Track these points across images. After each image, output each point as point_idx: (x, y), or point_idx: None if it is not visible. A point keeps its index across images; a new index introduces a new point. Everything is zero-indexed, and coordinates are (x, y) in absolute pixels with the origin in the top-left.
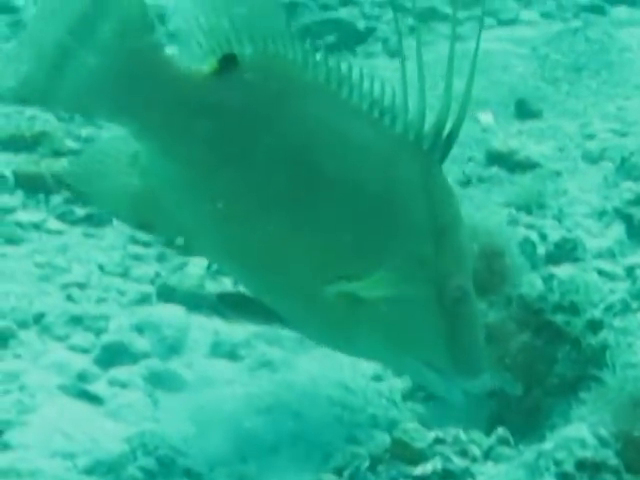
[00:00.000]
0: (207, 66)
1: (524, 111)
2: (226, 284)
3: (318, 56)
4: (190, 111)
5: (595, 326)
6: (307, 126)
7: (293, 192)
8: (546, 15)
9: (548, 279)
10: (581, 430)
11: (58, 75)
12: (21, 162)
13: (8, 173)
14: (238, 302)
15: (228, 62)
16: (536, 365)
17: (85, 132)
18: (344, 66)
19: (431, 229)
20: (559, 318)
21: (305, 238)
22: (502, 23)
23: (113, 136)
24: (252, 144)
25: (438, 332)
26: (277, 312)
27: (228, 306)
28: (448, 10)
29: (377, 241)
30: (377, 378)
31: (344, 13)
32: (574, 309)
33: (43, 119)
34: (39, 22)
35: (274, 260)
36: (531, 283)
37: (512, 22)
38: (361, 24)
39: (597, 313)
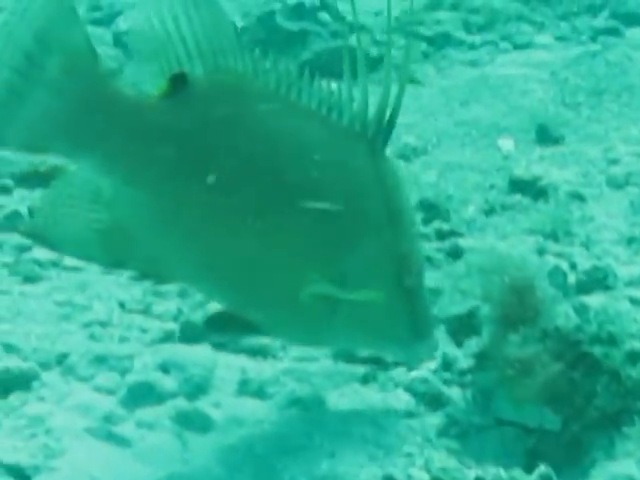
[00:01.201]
0: (157, 88)
1: (545, 137)
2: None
3: (267, 64)
4: (146, 137)
5: (635, 357)
6: (262, 135)
7: (257, 202)
8: (561, 38)
9: (581, 309)
10: (629, 467)
11: (9, 115)
12: (36, 199)
13: (23, 210)
14: (225, 322)
15: (178, 82)
16: (574, 398)
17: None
18: (292, 71)
19: (387, 214)
20: (597, 350)
21: (275, 245)
22: (517, 47)
23: (71, 175)
24: (211, 161)
25: (399, 310)
26: (258, 322)
27: (216, 329)
28: (462, 35)
29: (343, 234)
30: (409, 415)
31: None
32: (612, 340)
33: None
34: None
35: (248, 273)
36: (566, 315)
37: (527, 46)
38: (373, 51)
39: (636, 344)
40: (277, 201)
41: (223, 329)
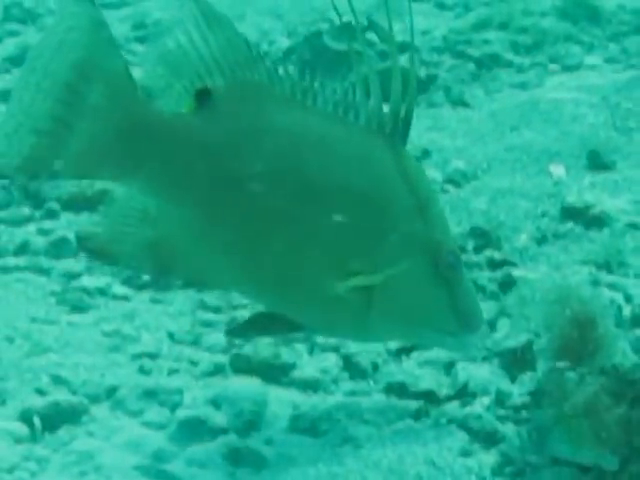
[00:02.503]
0: (184, 106)
1: (597, 163)
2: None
3: (282, 73)
4: (180, 153)
5: None
6: (288, 140)
7: (290, 205)
8: (610, 60)
9: (637, 347)
10: None
11: (57, 145)
12: (83, 223)
13: (71, 236)
14: (261, 322)
15: (203, 96)
16: (633, 438)
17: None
18: (306, 77)
19: (415, 205)
20: None
21: (310, 244)
22: (566, 69)
23: (122, 197)
24: (243, 170)
25: (440, 299)
26: (298, 321)
27: (259, 329)
28: (511, 56)
29: (374, 229)
30: (464, 453)
31: (403, 61)
32: None
33: None
34: (24, 94)
35: (287, 273)
36: (624, 352)
37: (576, 68)
38: (421, 72)
39: None
40: (309, 201)
41: (266, 329)
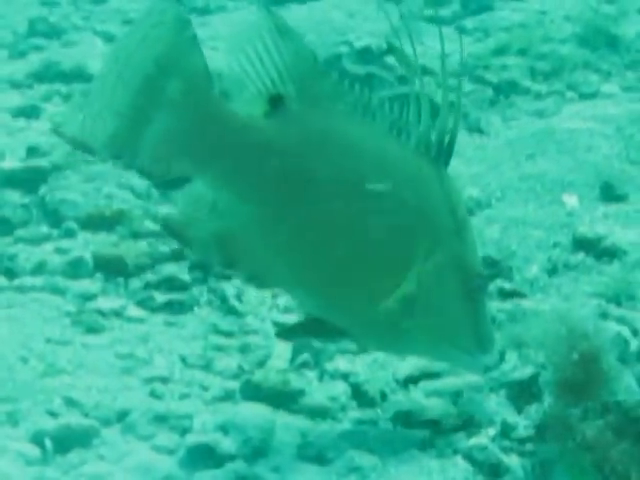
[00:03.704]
0: (257, 108)
1: (610, 194)
2: (310, 378)
3: (346, 88)
4: (248, 153)
5: None
6: (350, 151)
7: (346, 214)
8: (627, 89)
9: None
10: None
11: (139, 134)
12: (100, 243)
13: (87, 255)
14: (309, 326)
15: (276, 102)
16: (634, 475)
17: (163, 211)
18: (366, 94)
19: (454, 226)
20: None
21: (361, 255)
22: (583, 97)
23: (194, 188)
24: (307, 175)
25: (465, 319)
26: (341, 328)
27: (302, 331)
28: (529, 83)
29: (420, 245)
30: None
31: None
32: None
33: (120, 197)
34: (106, 81)
35: (336, 281)
36: (627, 389)
37: (593, 96)
38: (438, 97)
39: None
40: (364, 212)
41: (312, 333)
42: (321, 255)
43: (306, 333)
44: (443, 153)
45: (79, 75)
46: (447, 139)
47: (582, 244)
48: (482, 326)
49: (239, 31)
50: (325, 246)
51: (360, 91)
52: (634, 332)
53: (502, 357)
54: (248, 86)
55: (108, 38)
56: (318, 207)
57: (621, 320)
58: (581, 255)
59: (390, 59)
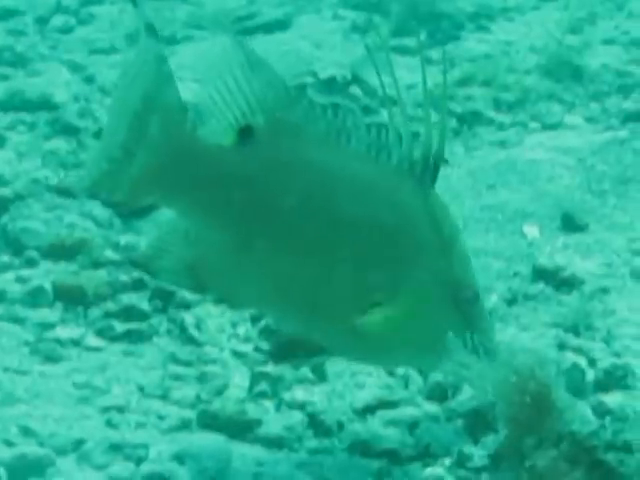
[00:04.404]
0: (227, 139)
1: (570, 224)
2: (268, 407)
3: (317, 113)
4: (220, 181)
5: None
6: (322, 176)
7: (318, 237)
8: (590, 120)
9: (599, 410)
10: None
11: (119, 171)
12: (60, 273)
13: (48, 285)
14: (291, 348)
15: (246, 133)
16: None
17: (124, 240)
18: (340, 117)
19: (439, 243)
20: (611, 457)
21: (337, 275)
22: (546, 127)
23: (168, 219)
24: (277, 202)
25: (458, 332)
26: (321, 343)
27: (284, 355)
28: (493, 114)
29: (398, 265)
30: None
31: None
32: (627, 447)
33: (82, 226)
34: (108, 122)
35: (311, 300)
36: (582, 419)
37: (556, 126)
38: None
39: None
40: (337, 234)
41: (290, 354)
42: (293, 278)
43: (284, 355)
44: (428, 171)
45: (44, 104)
46: (432, 157)
47: (542, 274)
48: (480, 338)
49: (211, 62)
50: (297, 269)
51: (333, 116)
52: (591, 362)
53: (459, 387)
54: (219, 118)
55: (74, 68)
56: (289, 232)
57: (578, 350)
58: (541, 285)
59: (355, 89)
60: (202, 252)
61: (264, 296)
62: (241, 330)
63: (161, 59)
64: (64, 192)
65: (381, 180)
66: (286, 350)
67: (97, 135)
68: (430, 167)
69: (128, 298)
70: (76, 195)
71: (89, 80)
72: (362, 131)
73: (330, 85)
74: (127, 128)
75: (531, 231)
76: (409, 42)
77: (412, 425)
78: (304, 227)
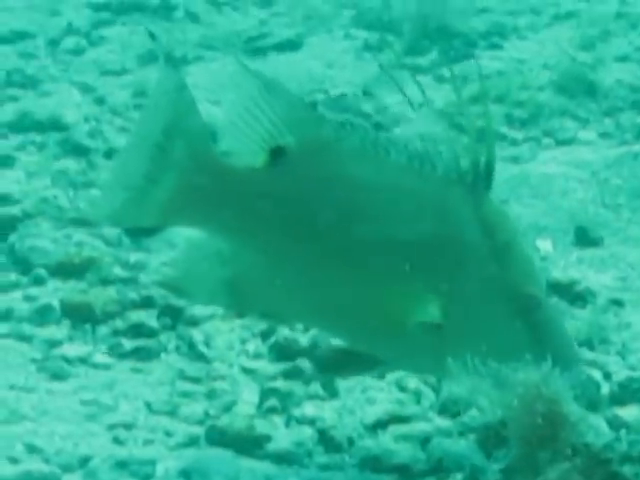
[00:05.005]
0: (259, 161)
1: (584, 238)
2: (277, 423)
3: (349, 130)
4: (253, 203)
5: None
6: (361, 190)
7: (363, 250)
8: (604, 135)
9: (614, 424)
10: None
11: (144, 200)
12: (68, 290)
13: (56, 302)
14: (336, 360)
15: (278, 154)
16: None
17: (134, 258)
18: (372, 133)
19: (491, 249)
20: (627, 469)
21: (384, 287)
22: (560, 143)
23: (197, 239)
24: (314, 217)
25: (521, 341)
26: (372, 355)
27: (329, 367)
28: (506, 130)
29: (446, 274)
30: None
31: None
32: None
33: (90, 244)
34: (124, 154)
35: (360, 311)
36: (597, 432)
37: (570, 142)
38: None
39: None
40: (385, 247)
41: (338, 368)
42: (334, 290)
43: (338, 369)
44: (480, 178)
45: (54, 125)
46: (482, 164)
47: (556, 288)
48: (549, 346)
49: (225, 85)
50: (337, 281)
51: (365, 131)
52: (606, 376)
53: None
54: (247, 144)
55: (85, 89)
56: (332, 246)
57: (593, 364)
58: (554, 299)
59: (366, 106)
60: (239, 271)
61: (308, 311)
62: (251, 346)
63: (182, 87)
64: (79, 222)
65: (426, 190)
66: (334, 364)
67: (108, 155)
68: (482, 174)
69: (137, 315)
70: (93, 224)
71: (100, 101)
72: (400, 144)
73: (341, 102)
74: (148, 158)
75: (544, 245)
76: (422, 61)
77: (424, 440)
78: (347, 240)
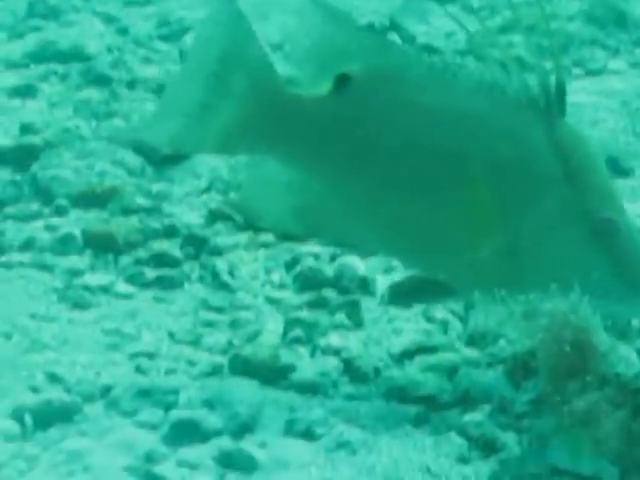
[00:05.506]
0: (323, 88)
1: (615, 168)
2: (302, 353)
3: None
4: (320, 130)
5: None
6: (430, 115)
7: (431, 174)
8: (635, 65)
9: None
10: None
11: (204, 127)
12: (90, 220)
13: (77, 232)
14: (408, 288)
15: (342, 81)
16: (633, 450)
17: (157, 187)
18: (440, 60)
19: (565, 172)
20: None
21: (453, 211)
22: (590, 73)
23: (264, 166)
24: (381, 143)
25: (599, 265)
26: (445, 282)
27: (401, 295)
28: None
29: (518, 197)
30: (461, 460)
31: None
32: None
33: (113, 174)
34: (177, 85)
35: (430, 238)
36: (627, 361)
37: (600, 72)
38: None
39: None
40: (455, 171)
41: (410, 296)
42: (405, 215)
43: (416, 293)
44: (554, 101)
45: (76, 55)
46: (554, 86)
47: None
48: (627, 269)
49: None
50: (408, 206)
51: (431, 59)
52: None
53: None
54: (312, 71)
55: (107, 19)
56: (396, 170)
57: None
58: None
59: (393, 36)
60: (306, 197)
61: (379, 237)
62: (275, 277)
63: (239, 18)
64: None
65: (496, 114)
66: (410, 292)
67: (130, 85)
68: (554, 98)
69: (159, 245)
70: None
71: (123, 31)
72: (467, 71)
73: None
74: (206, 88)
75: None
76: None
77: (451, 371)
78: (416, 166)
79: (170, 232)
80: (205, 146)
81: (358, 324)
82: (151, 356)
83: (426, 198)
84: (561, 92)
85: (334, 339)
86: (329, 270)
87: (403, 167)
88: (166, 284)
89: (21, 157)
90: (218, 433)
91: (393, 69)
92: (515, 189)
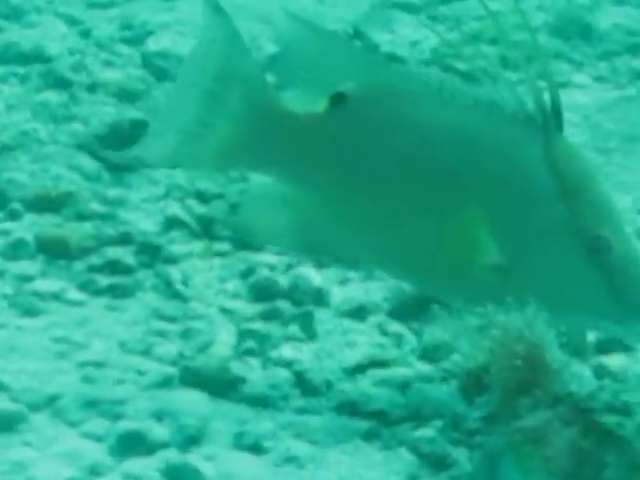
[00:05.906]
0: (319, 106)
1: None
2: (254, 365)
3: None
4: (317, 148)
5: None
6: (426, 131)
7: (427, 192)
8: (599, 79)
9: (599, 373)
10: None
11: (202, 144)
12: (44, 225)
13: (30, 237)
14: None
15: (338, 100)
16: (584, 468)
17: (113, 193)
18: (436, 76)
19: (561, 190)
20: (610, 419)
21: (451, 226)
22: None
23: (261, 184)
24: (377, 161)
25: (592, 284)
26: (440, 300)
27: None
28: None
29: (513, 214)
30: (411, 477)
31: None
32: (626, 410)
33: (69, 179)
34: (173, 102)
35: (423, 253)
36: (580, 379)
37: (564, 86)
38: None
39: None
40: (450, 188)
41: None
42: (399, 231)
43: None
44: (550, 119)
45: (37, 57)
46: (549, 104)
47: None
48: (624, 289)
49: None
50: (402, 223)
51: (428, 75)
52: None
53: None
54: (307, 90)
55: (70, 21)
56: (392, 187)
57: None
58: None
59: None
60: (304, 214)
61: (376, 254)
62: (229, 286)
63: (233, 35)
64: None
65: (492, 131)
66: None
67: (91, 89)
68: (551, 115)
69: (113, 252)
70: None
71: (85, 34)
72: (464, 88)
73: None
74: (199, 104)
75: None
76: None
77: (404, 385)
78: (412, 183)
79: (124, 239)
80: (203, 163)
81: (311, 336)
82: (100, 365)
83: (423, 215)
84: (557, 108)
85: (286, 351)
86: (284, 281)
87: (399, 184)
88: (118, 292)
89: None
90: (165, 445)
91: (389, 87)
92: (510, 207)
